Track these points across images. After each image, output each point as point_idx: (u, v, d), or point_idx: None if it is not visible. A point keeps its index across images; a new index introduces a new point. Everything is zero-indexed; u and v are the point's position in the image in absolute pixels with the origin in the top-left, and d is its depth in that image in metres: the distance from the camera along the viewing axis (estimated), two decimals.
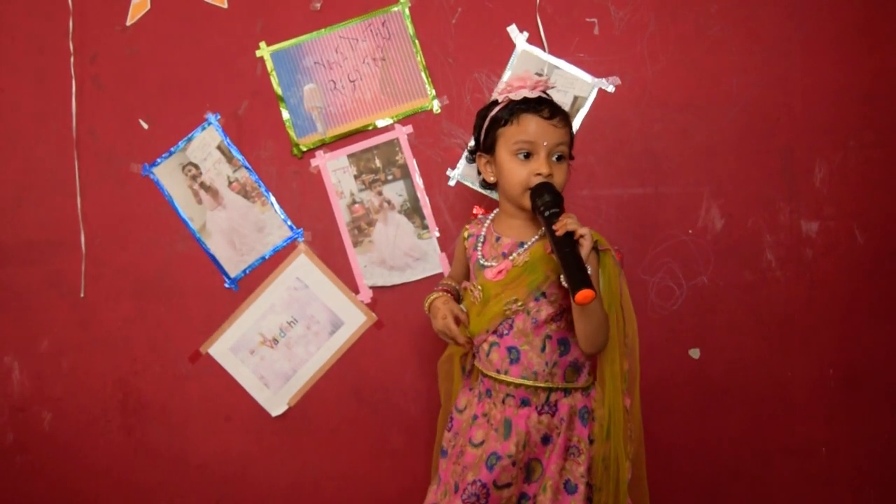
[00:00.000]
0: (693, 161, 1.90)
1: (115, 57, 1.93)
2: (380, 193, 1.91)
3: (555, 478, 1.38)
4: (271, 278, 1.93)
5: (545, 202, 1.35)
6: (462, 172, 1.92)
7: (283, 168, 1.93)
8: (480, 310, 1.43)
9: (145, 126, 1.94)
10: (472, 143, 1.54)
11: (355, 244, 1.92)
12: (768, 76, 1.89)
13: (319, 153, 1.91)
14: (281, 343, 1.92)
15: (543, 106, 1.41)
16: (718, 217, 1.89)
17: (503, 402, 1.42)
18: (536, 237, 1.44)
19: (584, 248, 1.29)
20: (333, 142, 1.91)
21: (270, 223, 1.92)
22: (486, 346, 1.43)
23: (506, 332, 1.41)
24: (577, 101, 1.89)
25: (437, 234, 1.90)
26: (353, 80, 1.90)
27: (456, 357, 1.54)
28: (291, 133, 1.91)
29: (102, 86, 1.93)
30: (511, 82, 1.42)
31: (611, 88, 1.89)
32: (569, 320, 1.41)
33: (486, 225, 1.51)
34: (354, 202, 1.91)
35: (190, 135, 1.92)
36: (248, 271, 1.94)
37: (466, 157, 1.52)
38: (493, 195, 1.62)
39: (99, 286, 1.95)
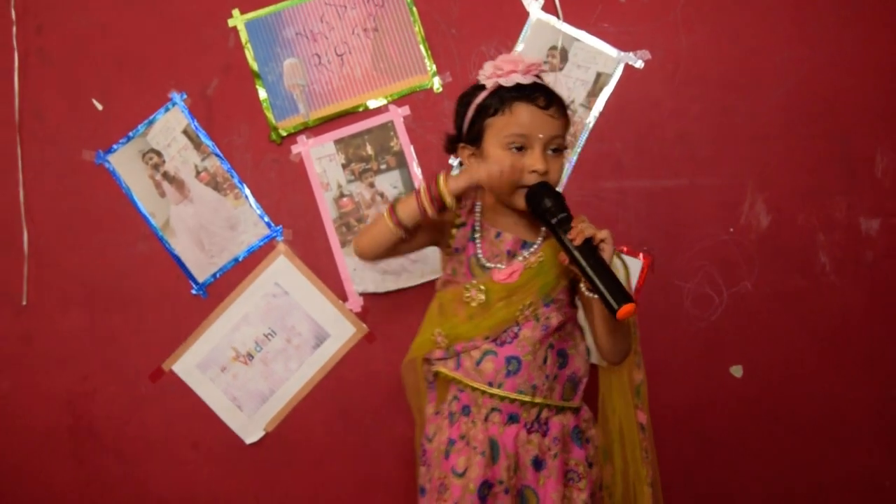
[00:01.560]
0: (734, 148, 1.84)
1: (64, 26, 1.86)
2: (372, 185, 1.85)
3: None
4: (246, 284, 1.86)
5: (548, 209, 1.29)
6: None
7: (259, 156, 1.86)
8: (478, 312, 1.37)
9: (99, 107, 1.86)
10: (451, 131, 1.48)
11: (343, 244, 1.85)
12: (822, 49, 1.84)
13: (302, 138, 1.85)
14: (257, 359, 1.86)
15: (538, 93, 1.36)
16: (764, 213, 1.84)
17: (486, 419, 1.37)
18: (542, 237, 1.41)
19: (608, 253, 1.25)
20: (318, 125, 1.85)
21: (245, 220, 1.85)
22: (476, 354, 1.37)
23: (509, 339, 1.36)
24: (600, 79, 1.83)
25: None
26: (340, 53, 1.83)
27: (419, 362, 1.45)
28: (269, 115, 1.84)
29: (49, 60, 1.86)
30: (500, 65, 1.37)
31: (639, 64, 1.83)
32: (568, 330, 1.40)
33: (477, 216, 1.44)
34: (342, 195, 1.85)
35: (151, 117, 1.85)
36: (218, 275, 1.87)
37: (445, 148, 1.45)
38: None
39: (44, 293, 1.87)
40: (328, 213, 1.85)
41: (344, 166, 1.84)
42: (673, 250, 1.84)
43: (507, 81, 1.35)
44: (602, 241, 1.26)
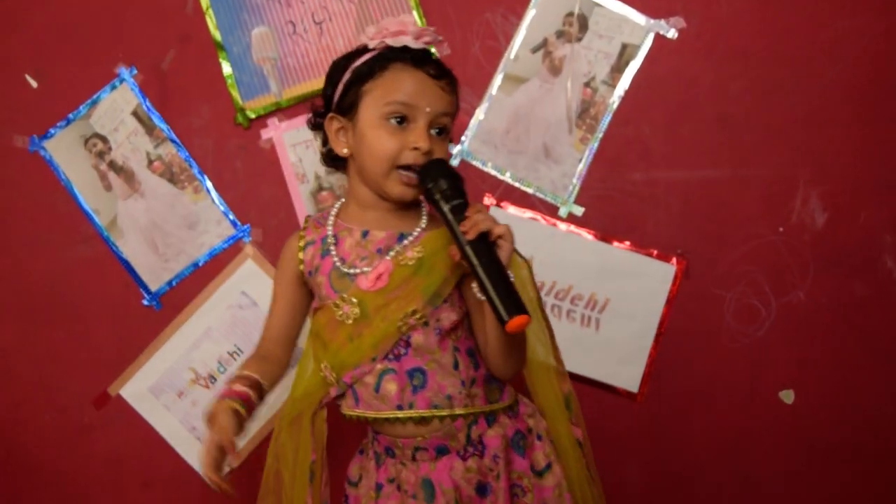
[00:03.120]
0: (784, 133, 1.81)
1: None
2: None
3: None
4: (207, 293, 1.85)
5: (443, 191, 1.25)
6: (468, 148, 1.82)
7: (222, 141, 1.85)
8: (357, 332, 1.34)
9: (34, 84, 1.87)
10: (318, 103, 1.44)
11: None
12: (887, 19, 1.79)
13: (273, 121, 1.83)
14: (220, 382, 1.85)
15: (430, 61, 1.34)
16: (819, 210, 1.81)
17: (413, 458, 1.35)
18: (422, 226, 1.36)
19: (505, 252, 1.22)
20: (292, 106, 1.83)
21: (206, 217, 1.85)
22: (371, 380, 1.34)
23: (403, 351, 1.33)
24: (625, 51, 1.79)
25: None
26: (319, 21, 1.82)
27: (306, 416, 1.40)
28: (235, 94, 1.83)
29: None
30: (386, 25, 1.35)
31: (672, 34, 1.80)
32: (469, 326, 1.37)
33: (330, 223, 1.40)
34: (321, 188, 1.84)
35: (95, 96, 1.84)
36: (174, 283, 1.86)
37: (309, 123, 1.43)
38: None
39: None
40: (304, 209, 1.84)
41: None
42: (712, 254, 1.83)
43: (395, 42, 1.33)
44: (500, 237, 1.22)
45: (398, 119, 1.31)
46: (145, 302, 1.84)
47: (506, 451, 1.36)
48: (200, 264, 1.84)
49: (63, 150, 1.84)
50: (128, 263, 1.84)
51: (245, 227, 1.83)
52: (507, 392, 1.39)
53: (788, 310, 1.81)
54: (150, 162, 1.83)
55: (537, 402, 1.42)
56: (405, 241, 1.35)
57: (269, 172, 1.83)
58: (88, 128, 1.83)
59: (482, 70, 1.75)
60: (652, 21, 1.77)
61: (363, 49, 1.37)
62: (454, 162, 1.80)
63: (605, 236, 1.75)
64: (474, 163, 1.80)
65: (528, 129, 1.75)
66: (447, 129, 1.35)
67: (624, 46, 1.78)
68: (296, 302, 1.44)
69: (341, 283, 1.36)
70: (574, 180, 1.74)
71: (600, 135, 1.78)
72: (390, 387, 1.33)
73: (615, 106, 1.78)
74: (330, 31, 1.79)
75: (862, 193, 1.80)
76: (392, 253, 1.34)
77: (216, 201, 1.83)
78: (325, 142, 1.42)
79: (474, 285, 1.24)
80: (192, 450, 1.84)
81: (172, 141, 1.83)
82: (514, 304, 1.17)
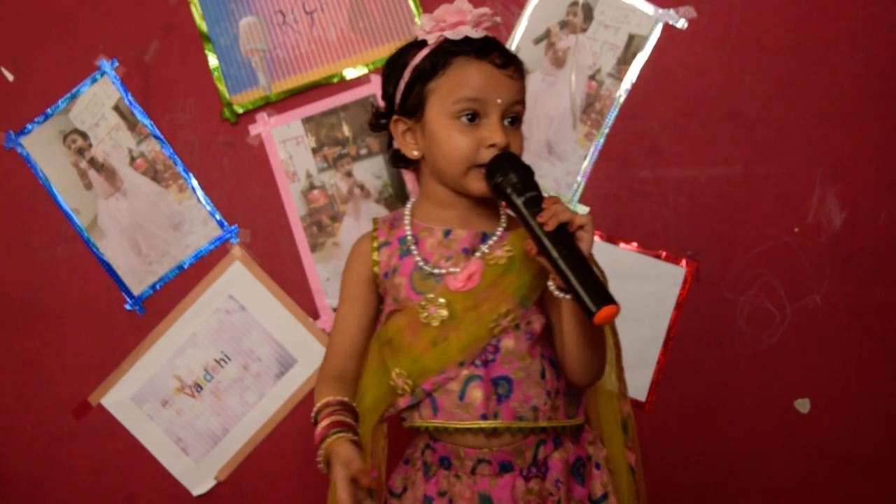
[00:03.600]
0: (800, 129, 1.79)
1: None
2: (349, 174, 1.83)
3: None
4: (192, 297, 1.85)
5: (514, 184, 1.24)
6: None
7: (209, 138, 1.84)
8: (443, 336, 1.32)
9: (10, 77, 1.85)
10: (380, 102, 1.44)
11: (314, 248, 1.84)
12: None
13: (262, 116, 1.83)
14: (206, 390, 1.86)
15: (493, 49, 1.32)
16: (837, 209, 1.80)
17: (472, 471, 1.32)
18: (503, 225, 1.36)
19: (586, 243, 1.20)
20: (282, 100, 1.83)
21: (191, 217, 1.84)
22: (455, 386, 1.31)
23: (491, 357, 1.31)
24: (633, 42, 1.79)
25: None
26: (310, 10, 1.82)
27: (367, 431, 1.37)
28: (222, 88, 1.82)
29: None
30: (443, 16, 1.33)
31: (681, 24, 1.79)
32: (549, 334, 1.38)
33: (406, 222, 1.39)
34: (312, 187, 1.84)
35: (74, 90, 1.84)
36: (158, 287, 1.86)
37: (371, 125, 1.42)
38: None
39: None
40: (295, 209, 1.84)
41: (315, 151, 1.84)
42: (724, 255, 1.82)
43: (454, 35, 1.30)
44: (580, 227, 1.20)
45: (469, 116, 1.29)
46: (128, 306, 1.84)
47: (567, 477, 1.35)
48: (185, 267, 1.84)
49: (41, 146, 1.84)
50: (109, 266, 1.84)
51: (232, 227, 1.83)
52: (582, 409, 1.39)
53: (804, 314, 1.80)
54: (133, 159, 1.84)
55: (596, 423, 1.42)
56: (490, 241, 1.34)
57: (257, 170, 1.82)
58: (67, 123, 1.83)
59: None
60: (660, 10, 1.78)
61: (419, 43, 1.35)
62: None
63: (612, 237, 1.73)
64: None
65: (531, 125, 1.73)
66: (520, 116, 1.34)
67: (631, 37, 1.79)
68: (368, 308, 1.42)
69: (425, 283, 1.35)
70: (579, 178, 1.72)
71: (606, 130, 1.78)
72: (476, 394, 1.31)
73: (622, 100, 1.78)
74: (321, 22, 1.79)
75: (881, 192, 1.79)
76: (479, 253, 1.33)
77: (202, 200, 1.83)
78: (390, 142, 1.41)
79: (551, 283, 1.24)
80: (177, 461, 1.84)
81: (156, 137, 1.83)
82: (602, 293, 1.16)
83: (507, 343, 1.32)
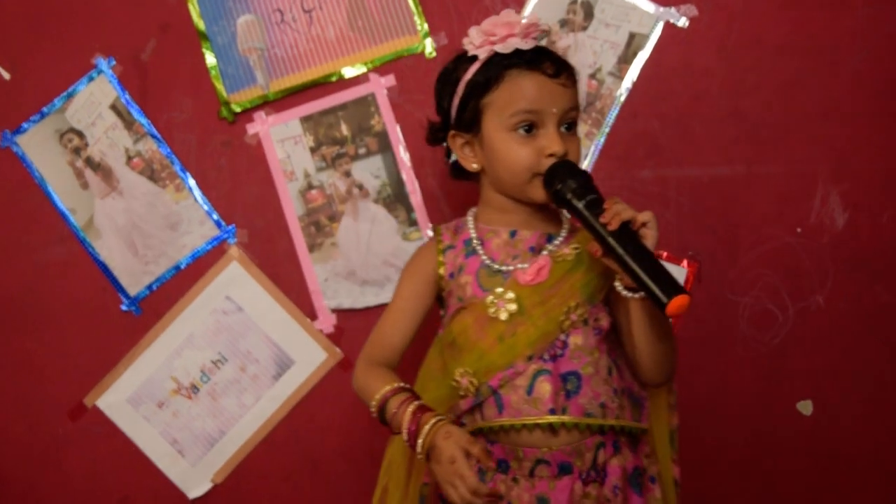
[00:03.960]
0: (803, 128, 1.79)
1: None
2: (348, 174, 1.83)
3: None
4: (189, 297, 1.85)
5: (574, 189, 1.27)
6: None
7: (206, 137, 1.84)
8: (511, 330, 1.34)
9: (6, 75, 1.85)
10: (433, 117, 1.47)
11: (312, 248, 1.84)
12: None
13: (260, 115, 1.83)
14: (203, 392, 1.86)
15: (544, 59, 1.34)
16: (840, 209, 1.79)
17: (531, 473, 1.32)
18: (567, 228, 1.40)
19: (651, 240, 1.23)
20: (280, 99, 1.82)
21: (188, 217, 1.84)
22: (524, 381, 1.33)
23: (559, 352, 1.33)
24: (633, 41, 1.79)
25: (431, 234, 1.80)
26: (308, 9, 1.82)
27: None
28: (219, 86, 1.82)
29: None
30: (491, 29, 1.35)
31: (682, 22, 1.78)
32: (615, 337, 1.39)
33: (470, 227, 1.42)
34: (311, 187, 1.84)
35: (71, 88, 1.84)
36: (155, 287, 1.86)
37: (428, 140, 1.46)
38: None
39: None
40: (293, 209, 1.84)
41: (313, 150, 1.84)
42: (725, 256, 1.81)
43: (505, 48, 1.32)
44: (643, 224, 1.23)
45: (526, 127, 1.31)
46: (124, 307, 1.84)
47: (625, 485, 1.35)
48: (182, 267, 1.84)
49: (36, 145, 1.84)
50: (105, 266, 1.84)
51: (230, 227, 1.83)
52: (646, 415, 1.40)
53: (806, 316, 1.79)
54: (130, 158, 1.84)
55: (655, 420, 1.42)
56: (556, 241, 1.36)
57: (255, 170, 1.82)
58: (64, 122, 1.83)
59: None
60: (661, 9, 1.77)
61: (470, 57, 1.36)
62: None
63: None
64: None
65: None
66: (576, 121, 1.36)
67: (632, 36, 1.78)
68: (423, 307, 1.44)
69: (492, 280, 1.37)
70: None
71: (606, 129, 1.78)
72: (545, 388, 1.32)
73: (622, 99, 1.78)
74: (320, 20, 1.80)
75: (885, 192, 1.79)
76: (547, 249, 1.35)
77: (199, 200, 1.83)
78: (447, 154, 1.43)
79: (618, 284, 1.26)
80: (173, 464, 1.84)
81: (153, 136, 1.83)
82: (672, 284, 1.17)
83: (576, 339, 1.33)
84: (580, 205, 1.26)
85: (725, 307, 1.80)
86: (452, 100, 1.38)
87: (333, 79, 1.80)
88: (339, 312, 1.83)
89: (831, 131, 1.78)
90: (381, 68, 1.80)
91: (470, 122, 1.37)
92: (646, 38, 1.78)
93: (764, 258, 1.79)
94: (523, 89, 1.32)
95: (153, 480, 1.84)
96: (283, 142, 1.82)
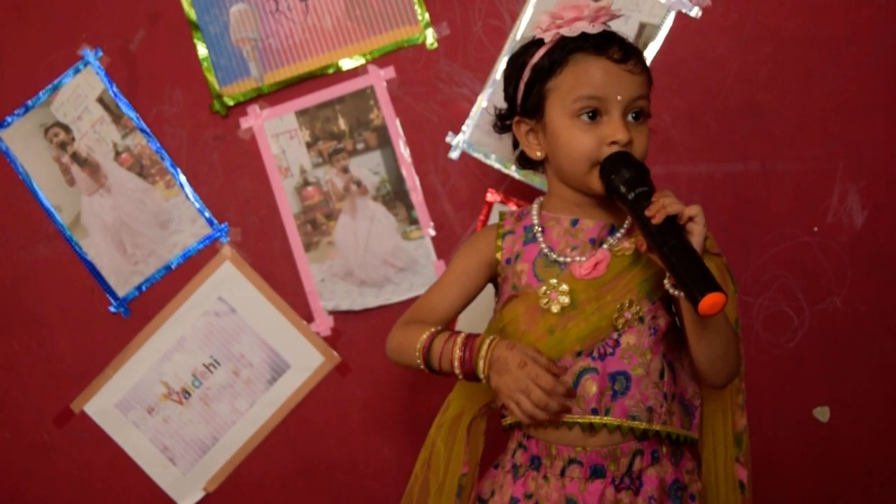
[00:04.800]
0: (820, 123, 1.78)
1: None
2: (345, 170, 1.83)
3: None
4: (180, 299, 1.85)
5: (626, 180, 1.27)
6: (470, 138, 1.82)
7: (198, 131, 1.85)
8: (562, 324, 1.32)
9: None
10: (498, 105, 1.45)
11: (308, 247, 1.85)
12: None
13: (254, 109, 1.83)
14: (195, 397, 1.86)
15: (612, 44, 1.33)
16: (858, 208, 1.78)
17: (562, 473, 1.32)
18: (630, 220, 1.38)
19: (697, 236, 1.22)
20: (275, 92, 1.83)
21: (179, 215, 1.85)
22: (568, 378, 1.33)
23: (610, 351, 1.32)
24: (644, 32, 1.78)
25: (433, 233, 1.85)
26: None
27: (464, 422, 1.41)
28: (211, 79, 1.82)
29: None
30: (559, 13, 1.34)
31: (695, 12, 1.78)
32: (674, 338, 1.38)
33: (534, 213, 1.41)
34: (307, 183, 1.84)
35: (56, 81, 1.84)
36: (144, 288, 1.86)
37: (495, 127, 1.46)
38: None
39: None
40: (288, 206, 1.84)
41: (309, 145, 1.84)
42: (740, 256, 1.80)
43: (571, 31, 1.31)
44: (690, 219, 1.22)
45: (590, 114, 1.30)
46: (112, 308, 1.83)
47: (662, 497, 1.34)
48: (173, 267, 1.84)
49: (21, 140, 1.84)
50: (93, 266, 1.84)
51: (222, 225, 1.83)
52: (696, 425, 1.39)
53: (823, 318, 1.79)
54: (118, 154, 1.83)
55: (714, 423, 1.41)
56: (618, 234, 1.35)
57: (249, 166, 1.82)
58: (49, 116, 1.83)
59: (485, 52, 1.74)
60: None
61: (538, 41, 1.36)
62: (453, 155, 1.81)
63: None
64: (476, 155, 1.80)
65: None
66: (644, 111, 1.35)
67: (642, 26, 1.77)
68: (473, 286, 1.44)
69: (548, 270, 1.36)
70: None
71: None
72: (590, 386, 1.31)
73: None
74: (316, 9, 1.80)
75: None
76: (607, 244, 1.34)
77: (190, 197, 1.83)
78: (515, 144, 1.43)
79: (666, 281, 1.26)
80: (164, 471, 1.85)
81: (142, 130, 1.82)
82: (705, 282, 1.17)
83: (629, 338, 1.32)
84: (630, 196, 1.26)
85: (740, 309, 1.67)
86: (518, 85, 1.38)
87: (330, 71, 1.79)
88: (336, 314, 1.83)
89: (849, 126, 1.77)
90: (381, 60, 1.80)
91: (534, 107, 1.36)
92: (657, 28, 1.77)
93: (779, 258, 1.78)
94: (588, 74, 1.31)
95: (143, 489, 1.84)
96: (278, 136, 1.82)
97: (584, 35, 1.32)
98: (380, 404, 1.88)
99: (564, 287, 1.34)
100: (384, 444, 1.87)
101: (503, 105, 1.44)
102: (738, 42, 1.78)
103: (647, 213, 1.23)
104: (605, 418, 1.31)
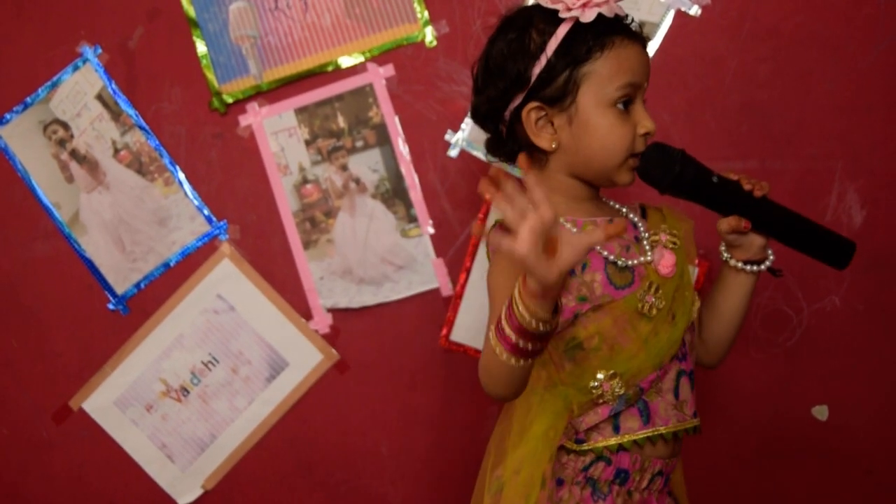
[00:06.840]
0: (819, 121, 1.79)
1: None
2: (344, 168, 1.84)
3: None
4: (179, 296, 1.85)
5: (700, 170, 1.24)
6: (469, 136, 1.82)
7: (196, 129, 1.85)
8: (655, 329, 1.25)
9: None
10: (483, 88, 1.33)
11: (307, 245, 1.85)
12: None
13: (253, 107, 1.83)
14: (193, 394, 1.86)
15: (638, 29, 1.29)
16: (857, 206, 1.79)
17: (648, 486, 1.26)
18: (625, 209, 1.34)
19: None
20: (274, 90, 1.83)
21: (178, 213, 1.85)
22: (668, 384, 1.27)
23: (686, 350, 1.30)
24: (643, 30, 1.64)
25: (432, 230, 1.85)
26: None
27: (538, 469, 1.24)
28: (210, 76, 1.83)
29: None
30: None
31: (695, 10, 1.78)
32: None
33: (562, 220, 1.31)
34: (306, 181, 1.84)
35: (55, 78, 1.84)
36: (143, 285, 1.86)
37: (477, 113, 1.33)
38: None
39: None
40: (287, 204, 1.84)
41: (308, 143, 1.84)
42: None
43: (608, 11, 1.21)
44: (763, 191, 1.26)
45: (625, 103, 1.25)
46: (111, 306, 1.84)
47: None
48: (172, 264, 1.84)
49: (19, 137, 1.83)
50: (91, 263, 1.84)
51: (221, 223, 1.83)
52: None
53: (822, 317, 1.80)
54: (117, 151, 1.83)
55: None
56: (640, 227, 1.31)
57: (247, 163, 1.83)
58: (48, 113, 1.83)
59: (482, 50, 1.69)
60: None
61: (552, 18, 1.24)
62: (452, 153, 1.81)
63: None
64: (475, 153, 1.79)
65: None
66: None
67: (641, 24, 1.61)
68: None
69: (622, 277, 1.27)
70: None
71: None
72: (688, 389, 1.29)
73: None
74: (316, 7, 1.80)
75: None
76: (648, 239, 1.30)
77: (189, 195, 1.83)
78: (495, 129, 1.31)
79: (731, 259, 1.30)
80: (162, 469, 1.84)
81: (141, 128, 1.83)
82: (841, 238, 1.25)
83: (689, 335, 1.31)
84: (714, 180, 1.23)
85: None
86: (530, 66, 1.25)
87: (330, 68, 1.80)
88: (335, 312, 1.83)
89: (849, 125, 1.77)
90: (380, 58, 1.80)
91: (561, 93, 1.24)
92: (656, 26, 1.77)
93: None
94: (630, 60, 1.24)
95: (141, 486, 1.84)
96: (277, 134, 1.82)
97: (617, 17, 1.24)
98: (378, 402, 1.87)
99: (659, 290, 1.27)
100: (382, 442, 1.87)
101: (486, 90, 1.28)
102: (737, 41, 1.78)
103: (748, 188, 1.23)
104: (694, 421, 1.28)
